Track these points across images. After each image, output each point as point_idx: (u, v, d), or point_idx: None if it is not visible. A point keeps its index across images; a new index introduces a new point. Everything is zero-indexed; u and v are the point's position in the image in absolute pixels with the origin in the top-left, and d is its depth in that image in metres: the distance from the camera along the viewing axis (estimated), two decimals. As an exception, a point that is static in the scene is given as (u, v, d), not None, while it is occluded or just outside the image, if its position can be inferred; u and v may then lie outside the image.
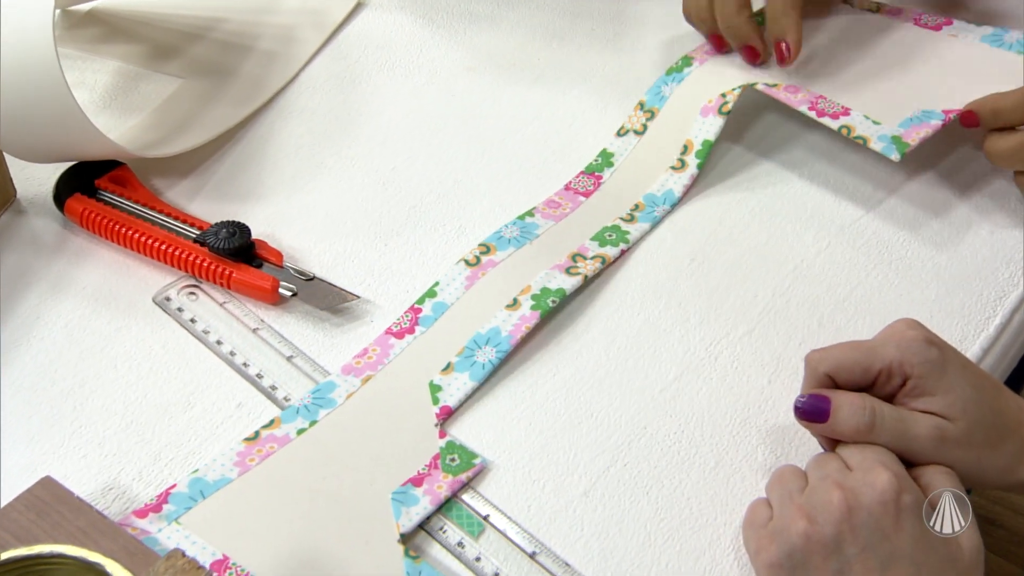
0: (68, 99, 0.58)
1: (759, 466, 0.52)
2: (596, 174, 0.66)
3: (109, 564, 0.44)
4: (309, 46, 0.77)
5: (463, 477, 0.50)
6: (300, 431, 0.52)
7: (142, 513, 0.49)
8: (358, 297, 0.60)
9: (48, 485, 0.47)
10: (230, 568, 0.46)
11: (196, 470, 0.51)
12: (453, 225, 0.65)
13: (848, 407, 0.47)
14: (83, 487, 0.50)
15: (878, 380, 0.48)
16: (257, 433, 0.52)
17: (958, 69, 0.67)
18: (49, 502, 0.46)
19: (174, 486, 0.50)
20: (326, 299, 0.59)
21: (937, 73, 0.67)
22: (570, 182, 0.66)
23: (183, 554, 0.39)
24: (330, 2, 0.80)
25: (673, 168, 0.65)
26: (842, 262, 0.61)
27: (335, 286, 0.60)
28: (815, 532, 0.44)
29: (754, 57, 0.67)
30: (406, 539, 0.48)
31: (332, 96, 0.74)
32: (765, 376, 0.55)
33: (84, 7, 0.79)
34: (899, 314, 0.51)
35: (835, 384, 0.49)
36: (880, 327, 0.50)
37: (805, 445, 0.52)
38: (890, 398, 0.48)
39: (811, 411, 0.48)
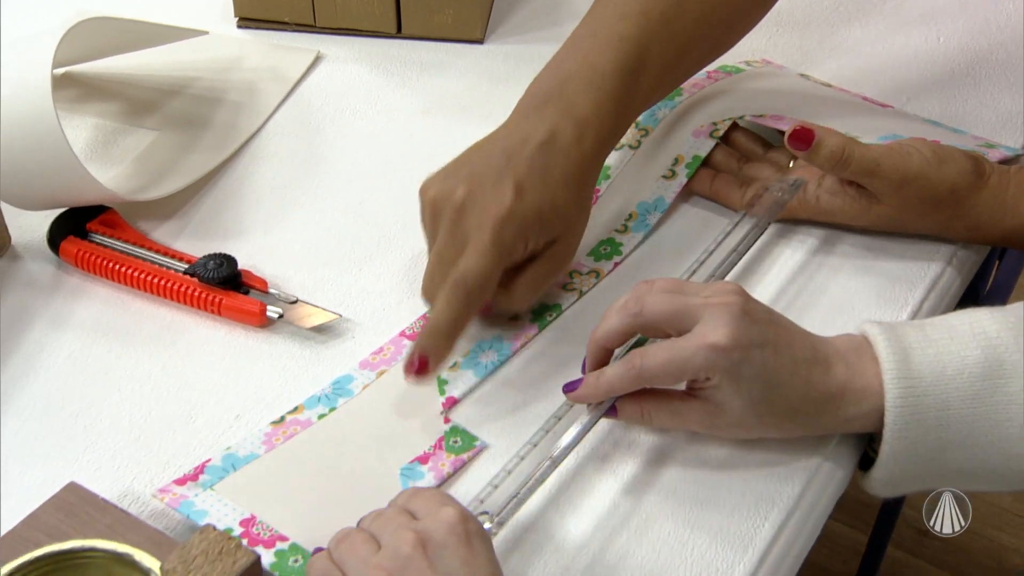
0: (64, 147, 0.63)
1: (713, 443, 0.58)
2: (595, 188, 0.73)
3: (138, 554, 0.49)
4: (273, 97, 0.83)
5: (464, 456, 0.56)
6: (320, 416, 0.59)
7: (181, 481, 0.55)
8: (339, 315, 0.65)
9: (73, 489, 0.52)
10: (256, 525, 0.52)
11: (229, 447, 0.57)
12: (419, 248, 0.70)
13: (631, 413, 0.56)
14: (102, 494, 0.55)
15: (695, 381, 0.54)
16: (283, 417, 0.59)
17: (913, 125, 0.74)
18: (76, 504, 0.51)
19: (209, 460, 0.56)
20: (310, 319, 0.65)
21: (896, 119, 0.75)
22: None
23: (214, 528, 0.44)
24: (289, 59, 0.86)
25: (664, 177, 0.72)
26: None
27: (318, 306, 0.66)
28: None
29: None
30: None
31: (299, 140, 0.80)
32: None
33: (58, 71, 0.84)
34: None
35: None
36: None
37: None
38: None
39: (609, 412, 0.56)
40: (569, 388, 0.56)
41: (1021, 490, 0.58)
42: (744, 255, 0.65)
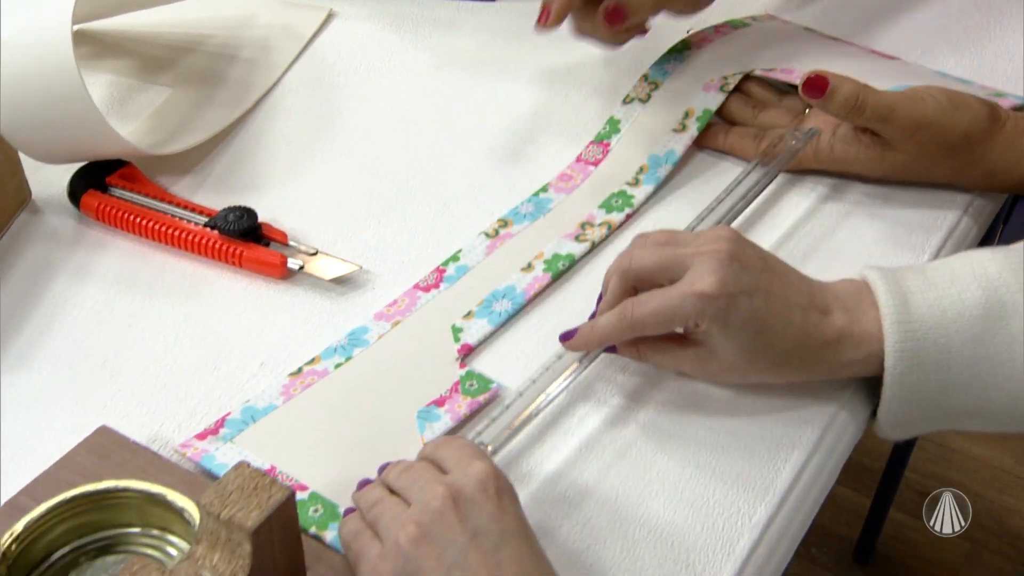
0: (86, 99, 0.64)
1: (732, 388, 0.59)
2: (604, 142, 0.73)
3: (170, 494, 0.50)
4: (287, 54, 0.83)
5: (481, 399, 0.57)
6: (337, 365, 0.59)
7: (202, 435, 0.55)
8: (359, 267, 0.66)
9: (105, 432, 0.53)
10: (277, 475, 0.53)
11: (247, 400, 0.57)
12: (437, 203, 0.71)
13: (629, 352, 0.57)
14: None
15: (685, 329, 0.55)
16: (300, 368, 0.59)
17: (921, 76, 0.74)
18: (108, 447, 0.52)
19: (229, 414, 0.56)
20: (330, 270, 0.66)
21: (904, 70, 0.75)
22: (581, 153, 0.73)
23: (248, 465, 0.45)
24: (301, 16, 0.86)
25: (675, 130, 0.73)
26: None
27: (338, 258, 0.66)
28: (423, 533, 0.45)
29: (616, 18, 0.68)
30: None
31: (313, 97, 0.80)
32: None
33: (73, 28, 0.84)
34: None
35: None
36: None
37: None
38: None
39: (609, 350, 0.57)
40: (566, 337, 0.57)
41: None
42: (752, 202, 0.66)
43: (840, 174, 0.69)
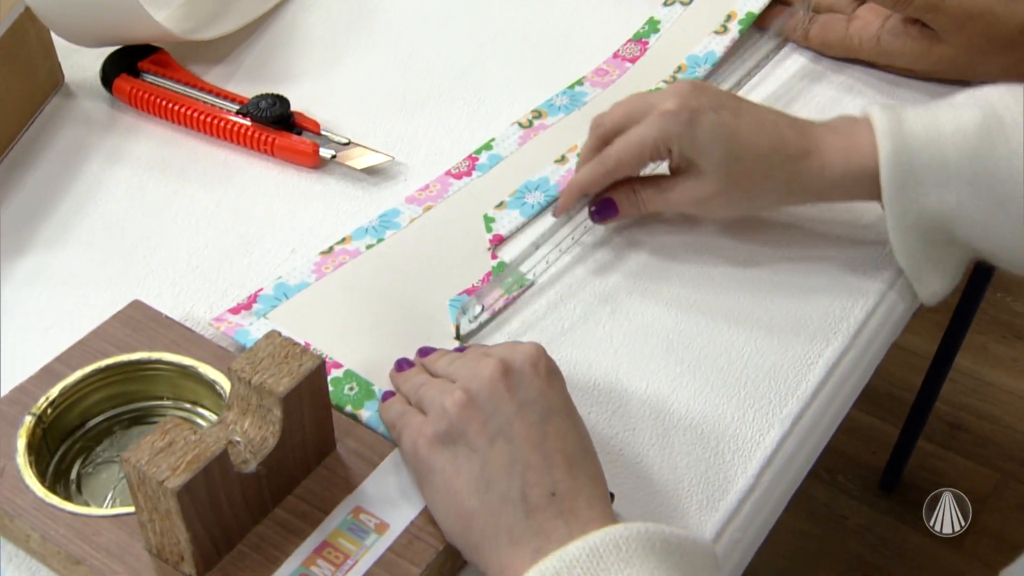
0: (119, -21, 0.63)
1: (767, 281, 0.58)
2: (643, 40, 0.72)
3: (202, 367, 0.50)
4: (321, -52, 0.81)
5: (515, 292, 0.57)
6: (369, 246, 0.59)
7: (235, 310, 0.55)
8: (392, 158, 0.65)
9: (138, 306, 0.53)
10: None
11: (280, 276, 0.57)
12: (473, 97, 0.70)
13: (626, 201, 0.58)
14: (164, 316, 0.56)
15: (654, 156, 0.56)
16: (331, 248, 0.59)
17: None
18: (141, 320, 0.52)
19: (261, 289, 0.56)
20: (363, 160, 0.65)
21: None
22: (618, 50, 0.72)
23: (279, 334, 0.45)
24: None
25: (716, 32, 0.71)
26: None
27: (370, 148, 0.65)
28: (470, 399, 0.44)
29: None
30: (462, 338, 0.54)
31: (348, -10, 0.79)
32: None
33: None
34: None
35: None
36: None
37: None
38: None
39: (603, 211, 0.58)
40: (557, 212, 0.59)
41: None
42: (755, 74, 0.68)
43: (886, 68, 0.67)
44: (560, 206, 0.59)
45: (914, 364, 1.27)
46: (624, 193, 0.58)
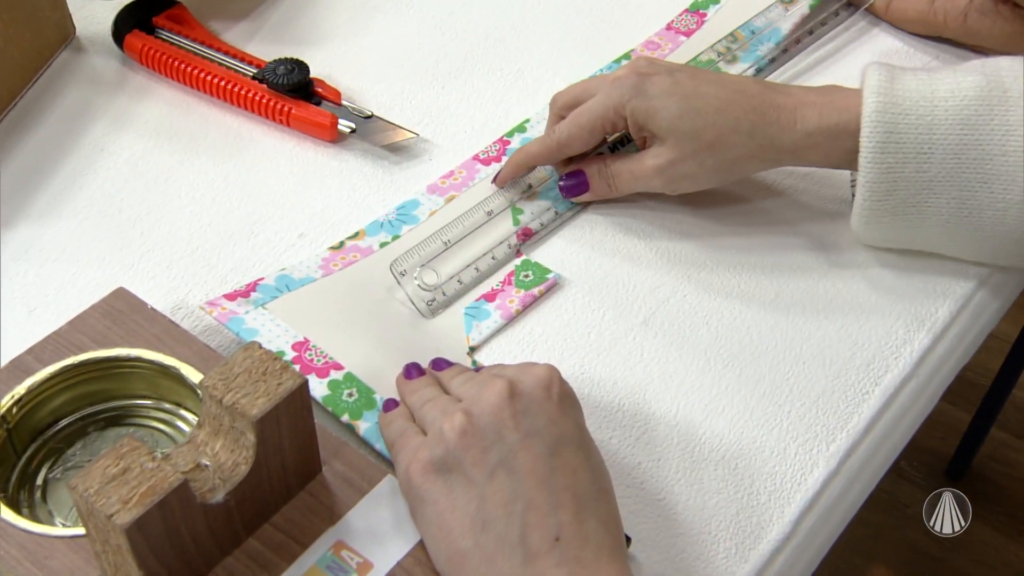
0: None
1: (821, 297, 0.52)
2: (701, 12, 0.66)
3: (184, 367, 0.46)
4: None
5: (535, 291, 0.51)
6: (383, 244, 0.54)
7: (231, 296, 0.51)
8: (417, 135, 0.60)
9: (122, 295, 0.48)
10: (310, 350, 0.48)
11: (284, 268, 0.53)
12: (511, 68, 0.64)
13: (597, 176, 0.55)
14: (154, 304, 0.51)
15: (607, 126, 0.53)
16: (342, 243, 0.54)
17: None
18: (124, 311, 0.48)
19: (262, 279, 0.52)
20: (385, 136, 0.59)
21: None
22: (672, 21, 0.65)
23: (260, 346, 0.40)
24: None
25: (782, 2, 0.64)
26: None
27: (394, 123, 0.60)
28: (471, 425, 0.40)
29: None
30: (474, 351, 0.49)
31: (385, -57, 0.73)
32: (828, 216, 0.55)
33: None
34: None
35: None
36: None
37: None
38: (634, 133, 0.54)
39: (574, 187, 0.55)
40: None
41: (1008, 262, 0.52)
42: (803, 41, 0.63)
43: (973, 48, 0.60)
44: (501, 177, 0.56)
45: (992, 347, 1.19)
46: (596, 168, 0.55)
